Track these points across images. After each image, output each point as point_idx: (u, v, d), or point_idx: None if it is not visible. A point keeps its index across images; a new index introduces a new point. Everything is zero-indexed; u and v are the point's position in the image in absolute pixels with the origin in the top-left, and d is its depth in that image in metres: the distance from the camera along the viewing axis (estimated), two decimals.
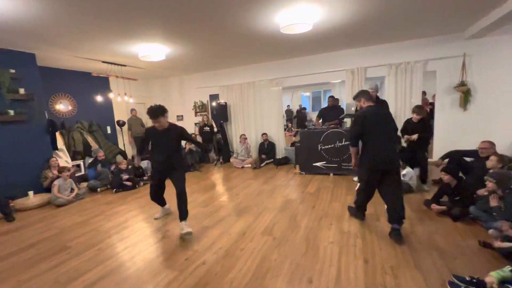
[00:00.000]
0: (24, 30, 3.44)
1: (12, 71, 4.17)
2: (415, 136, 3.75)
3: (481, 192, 2.90)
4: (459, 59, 4.62)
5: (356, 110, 3.85)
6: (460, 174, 3.13)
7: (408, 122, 3.96)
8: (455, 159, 3.72)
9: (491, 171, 2.79)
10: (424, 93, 6.73)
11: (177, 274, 2.10)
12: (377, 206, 3.28)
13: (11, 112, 4.13)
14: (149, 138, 2.99)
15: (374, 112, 2.48)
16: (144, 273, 2.14)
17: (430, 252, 2.22)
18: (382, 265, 2.08)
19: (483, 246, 2.24)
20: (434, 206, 2.99)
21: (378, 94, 4.28)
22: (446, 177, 2.98)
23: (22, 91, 4.27)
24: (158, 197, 3.22)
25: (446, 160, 3.73)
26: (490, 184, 2.49)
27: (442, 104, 4.93)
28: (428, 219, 2.88)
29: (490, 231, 2.40)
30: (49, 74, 5.39)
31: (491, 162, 2.87)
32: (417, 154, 3.85)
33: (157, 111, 2.78)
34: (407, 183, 3.74)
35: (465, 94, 4.64)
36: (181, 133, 3.03)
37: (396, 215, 2.41)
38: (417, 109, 3.81)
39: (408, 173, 3.79)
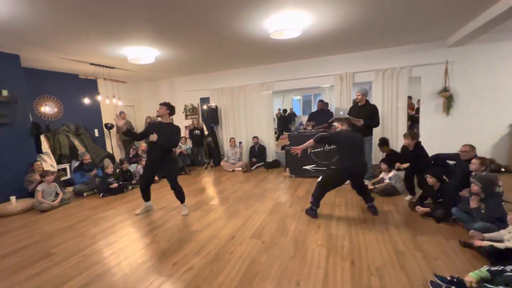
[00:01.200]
0: (7, 31, 3.35)
1: None
2: (405, 165, 3.61)
3: (463, 193, 3.01)
4: (442, 65, 4.81)
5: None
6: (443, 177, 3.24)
7: (404, 149, 3.74)
8: (438, 162, 3.85)
9: (474, 173, 2.91)
10: (410, 97, 6.94)
11: (164, 279, 2.08)
12: (364, 209, 3.35)
13: None
14: (151, 130, 3.34)
15: (350, 135, 3.27)
16: (130, 279, 2.10)
17: (414, 253, 2.29)
18: (368, 266, 2.13)
19: (463, 246, 2.33)
20: (418, 208, 3.08)
21: (367, 99, 4.38)
22: (431, 180, 3.08)
23: (5, 93, 4.14)
24: (146, 189, 3.55)
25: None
26: (475, 187, 2.58)
27: (427, 109, 5.10)
28: (412, 221, 2.96)
29: (471, 231, 2.48)
30: (34, 75, 5.26)
31: (474, 166, 2.97)
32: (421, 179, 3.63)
33: (174, 108, 3.55)
34: (393, 186, 3.84)
35: (448, 100, 4.82)
36: (175, 130, 3.38)
37: (369, 197, 3.30)
38: (405, 137, 3.65)
39: (394, 176, 3.88)
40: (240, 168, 6.14)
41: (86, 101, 6.24)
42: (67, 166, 5.52)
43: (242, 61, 5.78)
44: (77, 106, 6.12)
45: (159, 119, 3.47)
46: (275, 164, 6.28)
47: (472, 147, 3.26)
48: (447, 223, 2.82)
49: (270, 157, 6.55)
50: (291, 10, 3.17)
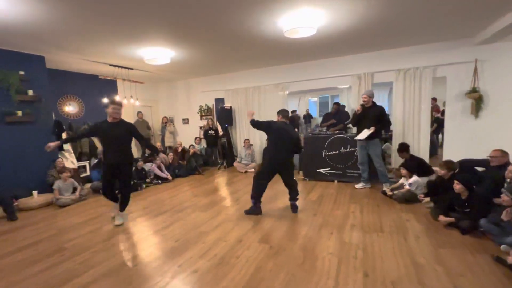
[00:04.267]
0: (33, 34, 3.53)
1: (22, 73, 4.28)
2: (427, 199, 3.38)
3: (498, 201, 2.72)
4: (470, 64, 4.46)
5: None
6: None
7: (440, 179, 3.39)
8: (466, 168, 3.55)
9: (508, 181, 2.63)
10: (434, 99, 6.55)
11: (168, 281, 2.04)
12: (381, 217, 3.16)
13: (19, 113, 4.22)
14: (100, 131, 3.05)
15: (283, 127, 3.30)
16: (136, 279, 2.09)
17: (435, 267, 2.09)
18: (383, 279, 1.97)
19: (496, 261, 2.10)
20: (441, 218, 2.84)
21: (374, 100, 4.21)
22: (458, 187, 2.82)
23: (30, 92, 4.37)
24: (111, 193, 3.26)
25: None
26: (505, 198, 2.33)
27: (453, 111, 4.76)
28: (434, 231, 2.73)
29: (502, 246, 2.25)
30: (58, 76, 5.52)
31: (510, 173, 2.68)
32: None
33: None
34: (413, 192, 3.59)
35: (477, 101, 4.46)
36: (132, 130, 3.17)
37: (295, 195, 3.42)
38: (440, 167, 3.34)
39: (414, 182, 3.64)
40: (253, 170, 6.07)
41: (106, 101, 6.46)
42: (86, 163, 5.73)
43: (256, 61, 5.72)
44: (97, 105, 6.35)
45: (110, 119, 3.02)
46: None
47: (504, 153, 2.97)
48: (474, 236, 2.58)
49: None
50: (306, 8, 3.06)
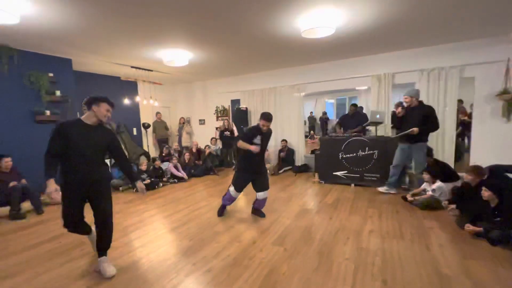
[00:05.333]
0: (61, 37, 3.74)
1: (51, 74, 4.54)
2: (452, 206, 3.18)
3: None
4: (502, 64, 4.18)
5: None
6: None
7: (466, 186, 3.18)
8: (497, 174, 3.32)
9: None
10: (461, 101, 6.21)
11: (182, 279, 2.06)
12: (402, 223, 3.02)
13: (47, 112, 4.48)
14: (68, 135, 2.02)
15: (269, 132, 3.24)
16: (150, 275, 2.12)
17: (461, 280, 1.96)
18: None
19: None
20: (468, 227, 2.66)
21: (420, 99, 3.90)
22: (486, 194, 2.64)
23: (58, 93, 4.62)
24: (80, 223, 2.25)
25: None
26: None
27: (481, 114, 4.47)
28: (460, 241, 2.56)
29: None
30: (83, 78, 5.80)
31: None
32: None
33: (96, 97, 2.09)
34: (437, 198, 3.41)
35: (508, 103, 4.16)
36: (112, 140, 2.21)
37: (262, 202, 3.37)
38: (467, 172, 3.12)
39: (438, 188, 3.45)
40: (268, 171, 6.03)
41: (126, 101, 6.71)
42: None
43: (273, 62, 5.70)
44: (118, 106, 6.59)
45: (91, 121, 2.10)
46: (304, 169, 6.06)
47: None
48: (505, 247, 2.39)
49: (299, 161, 6.34)
50: (324, 7, 3.01)
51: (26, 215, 3.65)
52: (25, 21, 3.14)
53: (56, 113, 4.58)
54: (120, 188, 4.95)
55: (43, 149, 2.15)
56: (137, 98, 6.62)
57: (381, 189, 4.20)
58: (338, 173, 4.87)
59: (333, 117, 12.30)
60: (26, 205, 3.77)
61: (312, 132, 11.70)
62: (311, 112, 12.55)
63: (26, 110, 4.32)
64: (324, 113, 12.04)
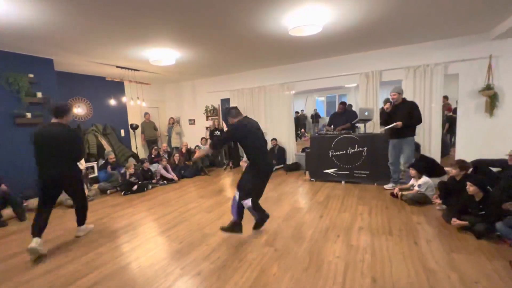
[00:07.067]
0: (42, 37, 3.58)
1: (31, 75, 4.35)
2: (439, 201, 3.29)
3: (506, 206, 2.60)
4: (484, 60, 4.29)
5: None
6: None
7: (452, 181, 3.24)
8: (480, 169, 3.40)
9: None
10: (446, 97, 6.35)
11: (170, 283, 2.02)
12: (391, 219, 3.06)
13: (29, 115, 4.30)
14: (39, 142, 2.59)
15: (253, 123, 2.74)
16: (139, 281, 2.07)
17: (448, 273, 1.99)
18: (392, 285, 1.88)
19: None
20: (454, 221, 2.72)
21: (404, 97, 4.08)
22: (471, 189, 2.69)
23: (39, 94, 4.44)
24: (44, 223, 2.60)
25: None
26: None
27: (465, 110, 4.58)
28: (447, 235, 2.62)
29: None
30: (66, 78, 5.60)
31: None
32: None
33: (62, 108, 2.69)
34: (423, 194, 3.47)
35: (491, 99, 4.27)
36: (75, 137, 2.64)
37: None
38: (452, 166, 3.21)
39: (424, 183, 3.51)
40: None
41: (113, 102, 6.54)
42: (94, 164, 5.80)
43: (262, 61, 5.67)
44: (105, 107, 6.43)
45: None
46: (295, 167, 6.07)
47: None
48: (490, 240, 2.45)
49: (290, 160, 6.35)
50: (311, 5, 2.99)
51: (7, 223, 3.51)
52: None
53: (38, 116, 4.41)
54: (108, 191, 4.82)
55: (23, 153, 2.07)
56: (124, 99, 6.46)
57: (387, 186, 4.28)
58: (328, 171, 4.89)
59: (324, 115, 12.39)
60: (7, 212, 3.62)
61: (303, 130, 11.74)
62: (302, 110, 12.59)
63: (4, 113, 4.13)
64: (314, 110, 12.11)
